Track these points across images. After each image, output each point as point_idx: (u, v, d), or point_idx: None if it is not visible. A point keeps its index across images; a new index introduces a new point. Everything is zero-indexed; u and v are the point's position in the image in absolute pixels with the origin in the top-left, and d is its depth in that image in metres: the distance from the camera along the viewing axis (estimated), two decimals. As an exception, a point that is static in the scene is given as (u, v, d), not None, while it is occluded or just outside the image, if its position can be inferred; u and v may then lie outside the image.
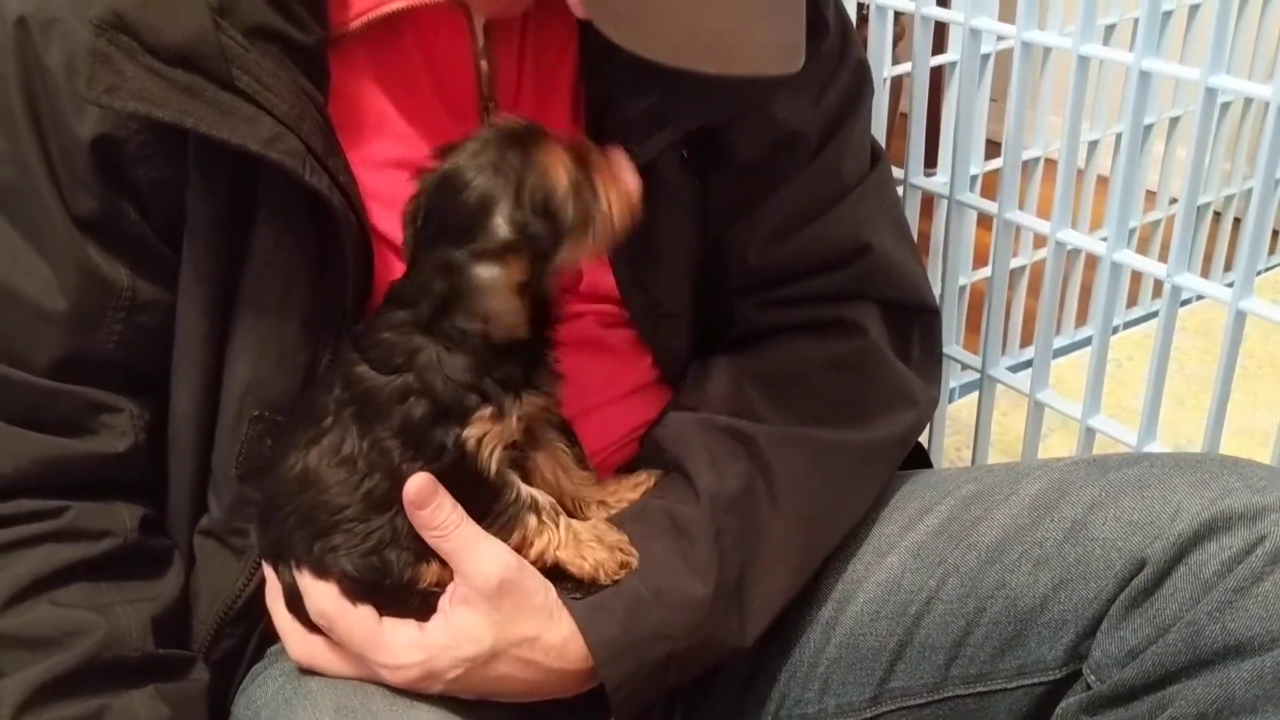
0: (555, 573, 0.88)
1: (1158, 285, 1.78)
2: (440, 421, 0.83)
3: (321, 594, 0.87)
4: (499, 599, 0.85)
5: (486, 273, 0.80)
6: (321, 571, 0.87)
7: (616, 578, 0.88)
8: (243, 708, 0.93)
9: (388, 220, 0.89)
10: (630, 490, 0.94)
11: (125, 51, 0.79)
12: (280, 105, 0.82)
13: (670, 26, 0.76)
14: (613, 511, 0.93)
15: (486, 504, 0.86)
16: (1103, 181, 1.97)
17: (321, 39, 0.85)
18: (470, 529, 0.86)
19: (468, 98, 0.92)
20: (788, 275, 1.02)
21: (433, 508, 0.85)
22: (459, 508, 0.86)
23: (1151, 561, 0.86)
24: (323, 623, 0.88)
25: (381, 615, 0.87)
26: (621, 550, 0.89)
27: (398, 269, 0.90)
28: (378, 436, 0.84)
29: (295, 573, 0.88)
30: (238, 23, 0.81)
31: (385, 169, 0.90)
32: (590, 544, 0.88)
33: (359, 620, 0.86)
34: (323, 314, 0.88)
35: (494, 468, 0.85)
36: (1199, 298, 1.21)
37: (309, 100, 0.84)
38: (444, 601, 0.87)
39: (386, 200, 0.89)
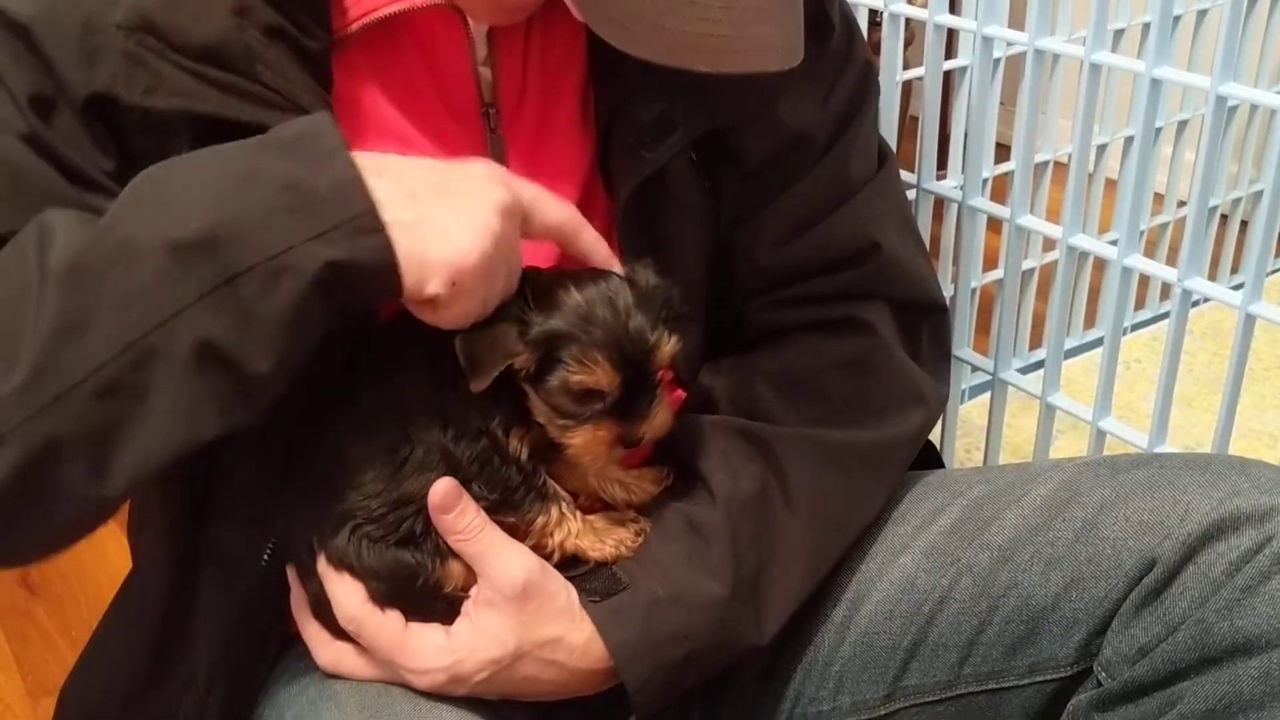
0: (571, 565, 0.90)
1: (1166, 287, 1.78)
2: (476, 408, 0.85)
3: (350, 598, 0.88)
4: (523, 601, 0.86)
5: (502, 328, 0.83)
6: (350, 569, 0.88)
7: (635, 546, 0.90)
8: (267, 708, 0.94)
9: None
10: (652, 482, 0.95)
11: (155, 52, 0.80)
12: (302, 98, 0.83)
13: (662, 32, 0.77)
14: (632, 498, 0.94)
15: (514, 490, 0.87)
16: (1111, 184, 1.98)
17: (326, 45, 0.86)
18: (494, 533, 0.87)
19: (469, 102, 0.92)
20: (797, 275, 1.03)
21: (457, 512, 0.86)
22: (482, 512, 0.87)
23: (1161, 561, 0.87)
24: (351, 627, 0.89)
25: (407, 620, 0.88)
26: (634, 522, 0.91)
27: None
28: (424, 416, 0.86)
29: (324, 576, 0.89)
30: (256, 23, 0.82)
31: None
32: (605, 529, 0.91)
33: (386, 625, 0.88)
34: None
35: (524, 456, 0.87)
36: (1208, 300, 1.23)
37: (319, 98, 0.85)
38: (468, 605, 0.88)
39: None
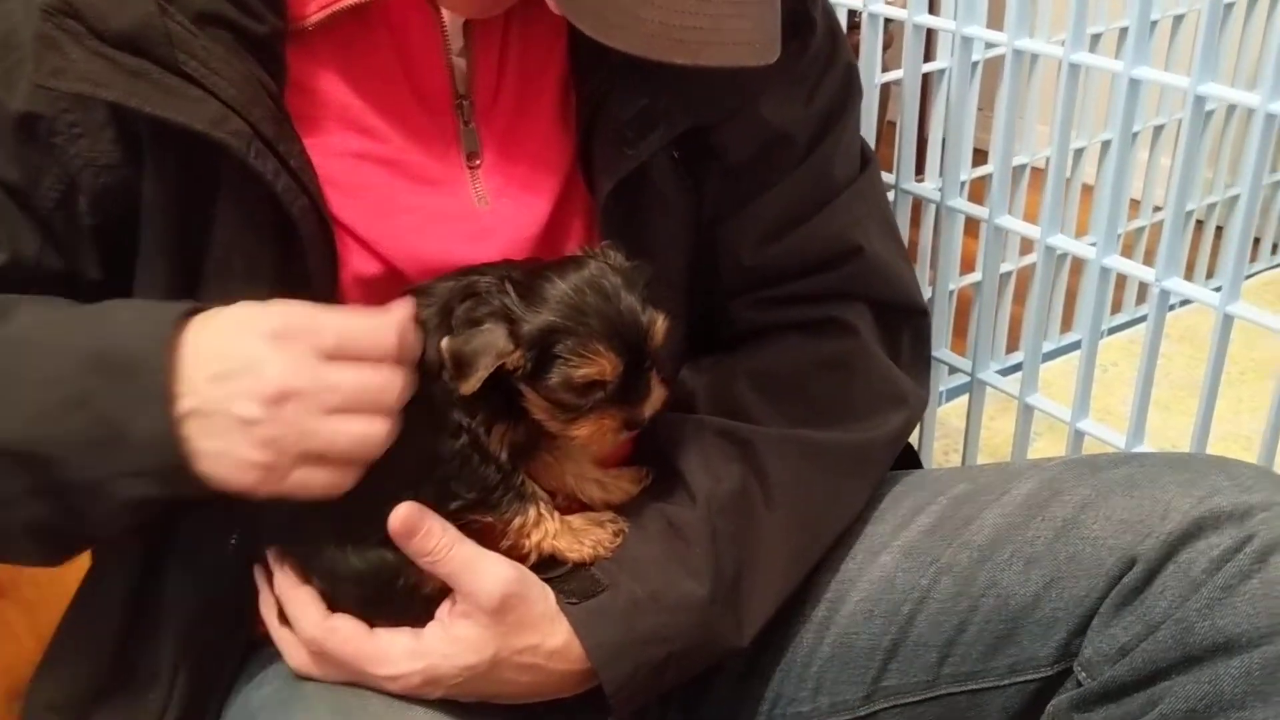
0: (549, 566, 0.89)
1: (1142, 291, 1.79)
2: (458, 404, 0.84)
3: (308, 619, 0.88)
4: (502, 614, 0.85)
5: (491, 329, 0.81)
6: (331, 574, 0.87)
7: (613, 547, 0.89)
8: (238, 710, 0.93)
9: (348, 209, 0.89)
10: (630, 482, 0.95)
11: (72, 35, 0.79)
12: (228, 89, 0.81)
13: (639, 22, 0.77)
14: (610, 498, 0.93)
15: (493, 489, 0.86)
16: (1087, 190, 1.99)
17: (277, 30, 0.85)
18: (465, 549, 0.86)
19: (441, 93, 0.92)
20: (780, 275, 1.03)
21: (422, 534, 0.85)
22: (450, 529, 0.86)
23: (1142, 559, 0.87)
24: (313, 648, 0.88)
25: (385, 622, 0.87)
26: (613, 522, 0.91)
27: (359, 257, 0.90)
28: (407, 413, 0.84)
29: (281, 595, 0.89)
30: (185, 9, 0.81)
31: (346, 158, 0.89)
32: (583, 529, 0.90)
33: (352, 637, 0.87)
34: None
35: (503, 455, 0.86)
36: (1183, 303, 1.23)
37: (260, 87, 0.84)
38: (442, 612, 0.87)
39: (347, 189, 0.89)
